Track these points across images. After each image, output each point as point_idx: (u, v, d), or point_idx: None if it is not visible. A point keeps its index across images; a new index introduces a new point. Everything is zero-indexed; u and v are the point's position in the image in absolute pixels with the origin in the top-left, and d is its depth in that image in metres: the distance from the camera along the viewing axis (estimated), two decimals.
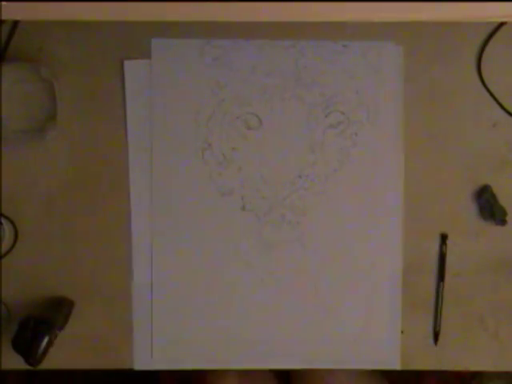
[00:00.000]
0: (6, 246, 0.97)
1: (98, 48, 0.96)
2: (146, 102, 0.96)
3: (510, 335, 0.98)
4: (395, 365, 0.98)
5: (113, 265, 0.98)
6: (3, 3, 0.65)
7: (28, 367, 0.92)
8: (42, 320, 0.91)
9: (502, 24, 0.95)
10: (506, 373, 1.03)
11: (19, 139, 0.94)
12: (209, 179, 0.97)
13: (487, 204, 0.95)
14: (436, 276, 0.97)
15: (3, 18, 0.66)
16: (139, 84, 0.95)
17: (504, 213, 0.95)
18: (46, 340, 0.90)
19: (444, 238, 0.96)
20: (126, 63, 0.95)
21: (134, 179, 0.97)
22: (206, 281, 0.97)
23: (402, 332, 0.97)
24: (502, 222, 0.95)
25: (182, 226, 0.97)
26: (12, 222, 0.96)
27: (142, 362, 0.98)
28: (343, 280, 0.97)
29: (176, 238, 0.97)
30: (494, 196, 0.95)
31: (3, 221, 0.96)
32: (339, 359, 0.98)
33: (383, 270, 0.97)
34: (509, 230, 0.97)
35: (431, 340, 0.98)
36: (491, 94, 0.96)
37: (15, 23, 0.94)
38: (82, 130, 0.97)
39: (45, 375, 1.21)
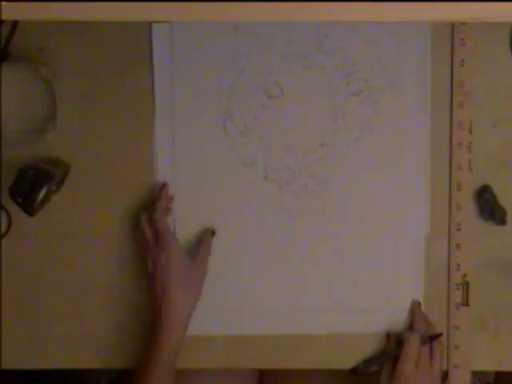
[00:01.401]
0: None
1: (99, 48, 0.96)
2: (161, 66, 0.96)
3: (510, 335, 0.98)
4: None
5: (113, 264, 0.98)
6: (3, 3, 0.65)
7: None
8: (41, 171, 0.90)
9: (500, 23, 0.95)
10: None
11: (19, 139, 0.94)
12: (231, 149, 0.97)
13: (487, 204, 0.95)
14: None
15: (3, 18, 0.66)
16: (165, 52, 0.95)
17: (504, 213, 0.95)
18: (44, 190, 0.89)
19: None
20: (154, 26, 0.95)
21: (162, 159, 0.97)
22: (227, 251, 0.98)
23: None
24: (502, 221, 0.95)
25: (204, 197, 0.97)
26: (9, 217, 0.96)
27: None
28: (366, 248, 0.97)
29: (198, 209, 0.97)
30: (494, 196, 0.95)
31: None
32: (363, 326, 0.98)
33: (407, 238, 0.97)
34: (509, 229, 0.97)
35: None
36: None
37: (15, 23, 0.94)
38: (82, 130, 0.97)
39: (45, 375, 1.21)
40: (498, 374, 1.16)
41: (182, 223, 0.98)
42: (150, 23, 0.95)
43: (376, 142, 0.96)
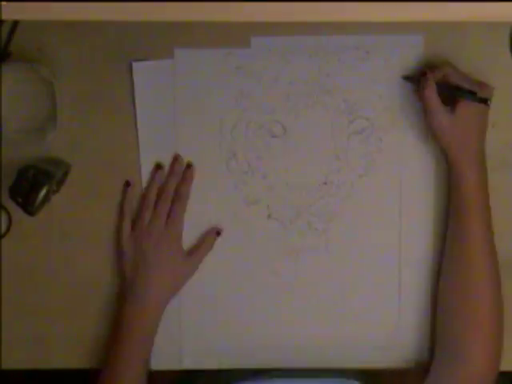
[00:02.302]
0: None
1: (99, 48, 0.96)
2: (155, 103, 0.96)
3: (510, 335, 0.97)
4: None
5: (113, 264, 0.99)
6: (3, 3, 0.66)
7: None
8: (42, 171, 0.89)
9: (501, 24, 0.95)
10: None
11: (19, 139, 0.94)
12: (234, 188, 0.97)
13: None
14: None
15: (3, 18, 0.67)
16: (147, 85, 0.95)
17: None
18: (44, 190, 0.88)
19: None
20: (135, 65, 0.95)
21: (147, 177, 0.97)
22: (232, 289, 0.98)
23: None
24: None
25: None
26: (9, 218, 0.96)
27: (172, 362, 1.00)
28: (370, 286, 0.98)
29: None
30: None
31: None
32: (369, 361, 0.98)
33: (412, 275, 0.97)
34: (509, 229, 0.97)
35: None
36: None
37: (15, 23, 0.94)
38: (82, 130, 0.97)
39: (45, 375, 1.21)
40: None
41: None
42: (124, 61, 0.95)
43: (379, 180, 0.97)
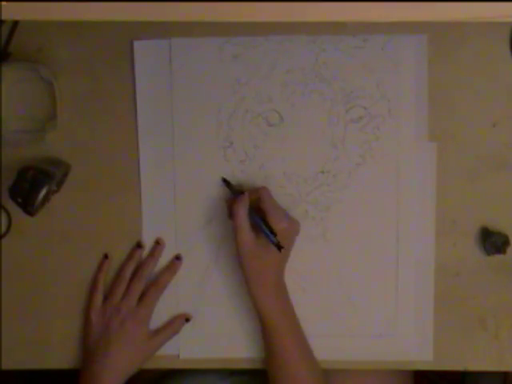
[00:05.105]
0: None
1: (99, 48, 0.96)
2: (154, 88, 0.96)
3: (510, 335, 0.98)
4: (426, 358, 0.98)
5: (113, 264, 0.99)
6: (3, 3, 0.66)
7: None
8: (42, 171, 0.90)
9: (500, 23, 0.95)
10: None
11: (19, 139, 0.94)
12: (231, 177, 0.97)
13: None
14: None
15: (3, 18, 0.67)
16: (147, 67, 0.96)
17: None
18: (44, 190, 0.89)
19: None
20: (136, 44, 0.95)
21: (145, 177, 0.97)
22: (228, 278, 0.98)
23: None
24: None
25: (204, 224, 0.98)
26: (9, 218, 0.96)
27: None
28: (367, 275, 0.98)
29: (199, 237, 0.98)
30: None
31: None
32: (365, 353, 0.98)
33: (409, 264, 0.97)
34: (509, 229, 0.97)
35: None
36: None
37: (15, 23, 0.95)
38: (82, 130, 0.97)
39: (45, 375, 1.21)
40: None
41: (183, 250, 0.98)
42: (132, 41, 0.95)
43: (376, 168, 0.97)
